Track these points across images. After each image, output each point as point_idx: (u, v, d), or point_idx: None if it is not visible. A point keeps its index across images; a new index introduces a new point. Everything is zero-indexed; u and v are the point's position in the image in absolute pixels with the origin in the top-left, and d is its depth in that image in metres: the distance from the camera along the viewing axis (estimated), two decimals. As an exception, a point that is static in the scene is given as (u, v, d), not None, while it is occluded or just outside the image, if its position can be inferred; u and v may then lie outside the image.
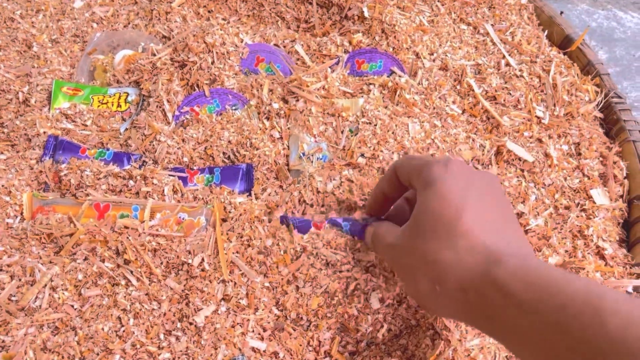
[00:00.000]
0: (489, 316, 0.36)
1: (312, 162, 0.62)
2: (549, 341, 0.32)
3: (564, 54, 0.75)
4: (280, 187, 0.62)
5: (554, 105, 0.68)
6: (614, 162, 0.64)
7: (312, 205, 0.58)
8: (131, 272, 0.52)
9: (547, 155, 0.64)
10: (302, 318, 0.52)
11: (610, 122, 0.68)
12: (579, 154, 0.66)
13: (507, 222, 0.40)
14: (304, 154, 0.63)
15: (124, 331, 0.49)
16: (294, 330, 0.51)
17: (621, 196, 0.63)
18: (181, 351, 0.48)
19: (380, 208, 0.52)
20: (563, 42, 0.76)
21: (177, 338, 0.49)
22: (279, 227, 0.56)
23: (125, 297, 0.51)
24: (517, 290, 0.33)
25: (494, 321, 0.36)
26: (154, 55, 0.69)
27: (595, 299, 0.30)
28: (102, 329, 0.49)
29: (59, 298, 0.50)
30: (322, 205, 0.58)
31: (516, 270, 0.34)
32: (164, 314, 0.50)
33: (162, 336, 0.49)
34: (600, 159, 0.65)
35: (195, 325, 0.49)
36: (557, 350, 0.31)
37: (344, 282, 0.53)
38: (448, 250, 0.38)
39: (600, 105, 0.69)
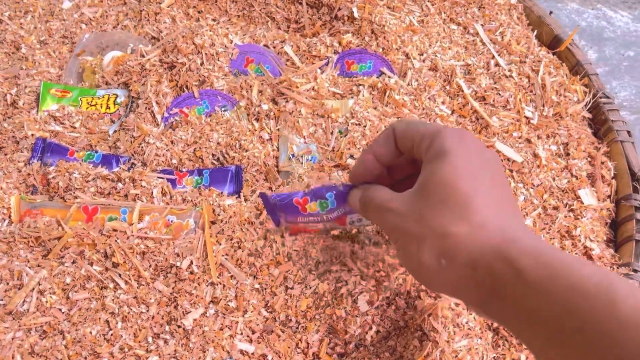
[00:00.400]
0: (497, 295, 0.35)
1: (301, 163, 0.62)
2: (557, 321, 0.31)
3: (553, 54, 0.75)
4: (270, 188, 0.62)
5: (543, 105, 0.68)
6: (602, 163, 0.64)
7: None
8: (119, 275, 0.52)
9: (535, 155, 0.64)
10: (291, 320, 0.52)
11: (599, 122, 0.68)
12: (568, 154, 0.66)
13: (515, 204, 0.40)
14: (293, 155, 0.63)
15: (112, 335, 0.49)
16: (283, 332, 0.51)
17: (609, 196, 0.63)
18: (169, 354, 0.48)
19: (366, 176, 0.47)
20: (552, 42, 0.76)
21: (166, 341, 0.49)
22: (270, 229, 0.56)
23: (113, 300, 0.51)
24: (530, 268, 0.32)
25: (501, 300, 0.34)
26: (143, 56, 0.69)
27: (607, 283, 0.30)
28: (90, 332, 0.49)
29: (46, 302, 0.50)
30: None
31: (530, 249, 0.33)
32: (152, 317, 0.50)
33: (150, 339, 0.49)
34: (589, 159, 0.66)
35: (184, 328, 0.49)
36: (565, 331, 0.31)
37: (333, 284, 0.53)
38: (461, 224, 0.36)
39: (589, 106, 0.69)
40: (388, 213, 0.41)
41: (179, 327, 0.49)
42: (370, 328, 0.52)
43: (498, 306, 0.35)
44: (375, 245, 0.57)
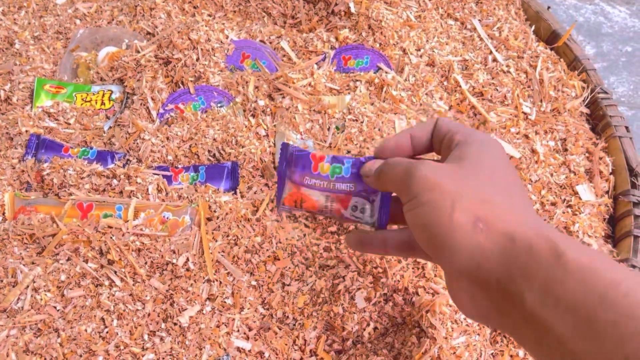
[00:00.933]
0: (529, 272, 0.33)
1: (298, 159, 0.62)
2: (591, 312, 0.30)
3: (551, 49, 0.75)
4: (266, 185, 0.61)
5: (541, 101, 0.68)
6: (600, 158, 0.64)
7: (298, 203, 0.58)
8: (115, 272, 0.52)
9: (533, 151, 0.64)
10: (288, 317, 0.52)
11: (597, 117, 0.68)
12: (566, 150, 0.66)
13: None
14: (290, 151, 0.62)
15: (107, 332, 0.48)
16: (280, 329, 0.51)
17: (607, 192, 0.63)
18: (165, 352, 0.48)
19: (394, 152, 0.46)
20: (550, 38, 0.76)
21: (162, 339, 0.48)
22: (267, 226, 0.55)
23: (108, 297, 0.50)
24: (573, 255, 0.32)
25: (531, 279, 0.33)
26: (138, 52, 0.68)
27: None
28: (85, 330, 0.48)
29: (41, 299, 0.49)
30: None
31: (571, 240, 0.33)
32: (148, 315, 0.50)
33: (146, 337, 0.49)
34: (587, 154, 0.65)
35: (180, 326, 0.49)
36: (598, 321, 0.30)
37: (330, 280, 0.52)
38: (504, 197, 0.37)
39: (587, 101, 0.69)
40: (418, 168, 0.39)
41: (175, 324, 0.49)
42: (368, 325, 0.51)
43: (527, 285, 0.33)
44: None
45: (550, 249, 0.33)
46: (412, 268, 0.56)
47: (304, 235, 0.57)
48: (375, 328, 0.52)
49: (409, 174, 0.39)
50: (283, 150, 0.50)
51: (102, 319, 0.49)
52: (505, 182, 0.38)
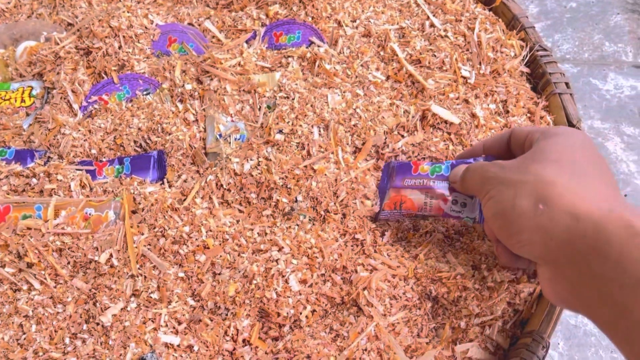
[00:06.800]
0: (600, 252, 0.32)
1: (229, 143, 0.59)
2: None
3: (489, 10, 0.72)
4: (197, 172, 0.59)
5: (480, 63, 0.66)
6: (541, 117, 0.62)
7: (229, 190, 0.56)
8: (34, 275, 0.49)
9: (473, 115, 0.62)
10: (219, 307, 0.49)
11: (537, 76, 0.66)
12: (507, 112, 0.64)
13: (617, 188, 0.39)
14: (220, 135, 0.60)
15: (25, 339, 0.46)
16: (211, 320, 0.49)
17: (550, 151, 0.61)
18: (87, 354, 0.45)
19: (469, 158, 0.52)
20: (488, -2, 0.74)
21: (83, 341, 0.46)
22: (196, 214, 0.53)
23: (27, 302, 0.48)
24: None
25: (604, 258, 0.32)
26: (57, 44, 0.65)
27: None
28: (3, 338, 0.46)
29: (-47, 310, 0.47)
30: (241, 189, 0.56)
31: None
32: (70, 317, 0.47)
33: (67, 340, 0.46)
34: (528, 115, 0.63)
35: (102, 325, 0.46)
36: None
37: (263, 265, 0.50)
38: (569, 177, 0.36)
39: (526, 60, 0.67)
40: (493, 167, 0.42)
41: (98, 324, 0.47)
42: (305, 308, 0.49)
43: (595, 266, 0.32)
44: (311, 222, 0.55)
45: (624, 227, 0.31)
46: (351, 246, 0.54)
47: (237, 221, 0.55)
48: (313, 311, 0.50)
49: (482, 177, 0.43)
50: (385, 169, 0.57)
51: (21, 325, 0.47)
52: (578, 163, 0.38)
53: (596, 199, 0.35)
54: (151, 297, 0.48)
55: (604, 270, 0.32)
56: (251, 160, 0.56)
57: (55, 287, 0.49)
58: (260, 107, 0.61)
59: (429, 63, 0.66)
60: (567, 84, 0.62)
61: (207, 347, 0.47)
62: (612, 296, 0.31)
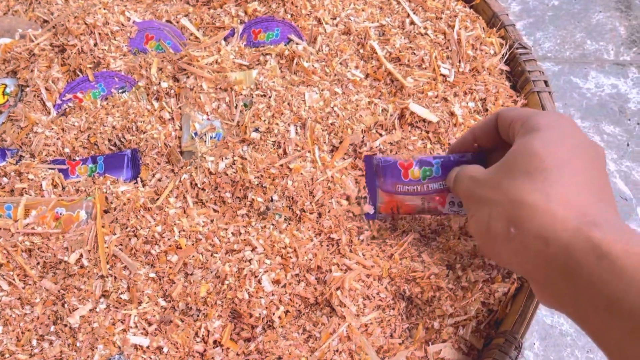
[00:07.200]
0: (570, 276, 0.32)
1: (205, 141, 0.59)
2: None
3: (470, 7, 0.72)
4: (172, 171, 0.58)
5: (459, 61, 0.65)
6: (520, 116, 0.62)
7: (204, 189, 0.55)
8: (2, 276, 0.48)
9: (452, 114, 0.61)
10: (191, 308, 0.49)
11: (516, 74, 0.66)
12: (486, 110, 0.63)
13: (606, 194, 0.37)
14: (196, 133, 0.59)
15: (-9, 341, 0.45)
16: (182, 321, 0.48)
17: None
18: (54, 356, 0.45)
19: (461, 150, 0.50)
20: (469, -4, 0.73)
21: (51, 343, 0.45)
22: (169, 214, 0.52)
23: (-6, 303, 0.47)
24: (619, 255, 0.29)
25: (574, 283, 0.32)
26: (32, 41, 0.64)
27: None
28: (-32, 340, 0.45)
29: None
30: (216, 188, 0.55)
31: (617, 234, 0.31)
32: (37, 318, 0.47)
33: (34, 342, 0.46)
34: (507, 113, 0.63)
35: (70, 327, 0.46)
36: None
37: (236, 265, 0.50)
38: (539, 194, 0.35)
39: (505, 58, 0.67)
40: (470, 182, 0.42)
41: (65, 325, 0.46)
42: (278, 308, 0.49)
43: (569, 289, 0.32)
44: (287, 221, 0.54)
45: (593, 251, 0.31)
46: (327, 245, 0.54)
47: (211, 220, 0.54)
48: (286, 312, 0.50)
49: (463, 192, 0.43)
50: (367, 163, 0.55)
51: (-13, 327, 0.46)
52: (553, 167, 0.36)
53: (567, 213, 0.34)
54: (121, 298, 0.47)
55: (577, 293, 0.32)
56: (226, 159, 0.55)
57: (23, 288, 0.48)
58: (236, 105, 0.61)
59: (409, 61, 0.66)
60: (546, 82, 0.62)
61: (177, 348, 0.46)
62: (588, 317, 0.32)
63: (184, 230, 0.52)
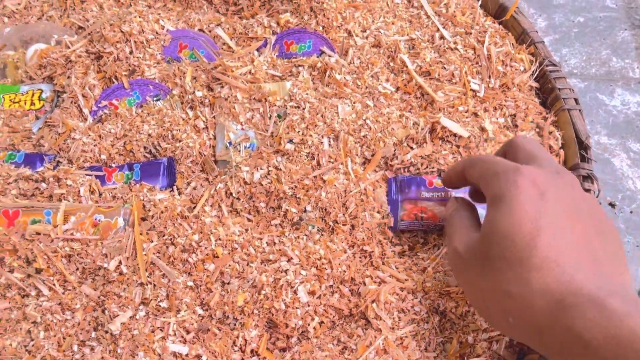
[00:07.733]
0: (566, 357, 0.34)
1: (239, 151, 0.59)
2: None
3: (499, 23, 0.73)
4: (207, 179, 0.59)
5: (489, 77, 0.66)
6: (550, 132, 0.62)
7: (239, 199, 0.56)
8: (43, 281, 0.49)
9: (482, 129, 0.62)
10: (228, 317, 0.49)
11: (546, 91, 0.66)
12: (516, 126, 0.64)
13: (589, 243, 0.35)
14: (230, 143, 0.60)
15: (33, 345, 0.46)
16: (220, 330, 0.49)
17: (558, 167, 0.61)
18: (96, 362, 0.45)
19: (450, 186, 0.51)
20: (498, 11, 0.74)
21: (92, 348, 0.46)
22: (205, 222, 0.53)
23: (35, 308, 0.47)
24: (597, 342, 0.30)
25: None
26: (68, 47, 0.65)
27: None
28: (11, 344, 0.46)
29: (-39, 315, 0.46)
30: (250, 198, 0.56)
31: (595, 318, 0.31)
32: (78, 324, 0.47)
33: (75, 348, 0.46)
34: (537, 129, 0.64)
35: (111, 333, 0.46)
36: None
37: (272, 275, 0.50)
38: (520, 285, 0.35)
39: (535, 75, 0.67)
40: (456, 258, 0.41)
41: (106, 332, 0.46)
42: (313, 319, 0.49)
43: None
44: (320, 232, 0.55)
45: (573, 337, 0.32)
46: (359, 257, 0.54)
47: (246, 230, 0.55)
48: (321, 322, 0.50)
49: (455, 268, 0.43)
50: (390, 184, 0.57)
51: (29, 332, 0.47)
52: (518, 248, 0.35)
53: (545, 302, 0.34)
54: (160, 306, 0.48)
55: None
56: (261, 169, 0.56)
57: (63, 293, 0.48)
58: (270, 116, 0.61)
59: (439, 75, 0.67)
60: (576, 99, 0.63)
61: (216, 356, 0.47)
62: None
63: (220, 239, 0.52)
